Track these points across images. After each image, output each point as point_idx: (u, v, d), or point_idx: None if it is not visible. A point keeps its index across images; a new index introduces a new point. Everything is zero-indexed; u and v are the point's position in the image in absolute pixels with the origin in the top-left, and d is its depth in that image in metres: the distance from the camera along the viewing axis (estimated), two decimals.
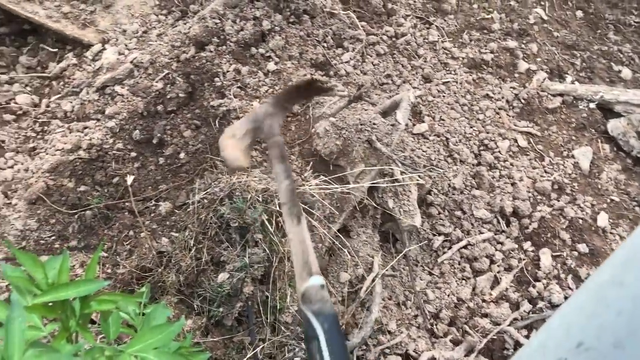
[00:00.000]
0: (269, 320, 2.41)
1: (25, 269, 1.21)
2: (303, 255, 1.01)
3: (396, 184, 2.71)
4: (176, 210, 2.71)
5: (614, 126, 3.66)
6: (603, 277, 0.64)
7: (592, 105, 3.78)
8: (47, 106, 3.14)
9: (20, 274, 1.18)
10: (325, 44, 3.40)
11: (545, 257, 3.10)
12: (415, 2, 4.01)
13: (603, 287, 0.64)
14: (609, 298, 0.62)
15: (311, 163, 2.64)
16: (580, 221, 3.24)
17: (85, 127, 2.96)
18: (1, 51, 3.31)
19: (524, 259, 3.09)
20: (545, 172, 3.43)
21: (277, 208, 2.37)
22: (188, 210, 2.61)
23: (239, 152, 1.07)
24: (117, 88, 3.06)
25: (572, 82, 3.92)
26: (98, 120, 3.00)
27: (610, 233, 3.23)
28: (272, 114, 1.10)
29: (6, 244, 2.51)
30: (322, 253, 2.57)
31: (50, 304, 1.16)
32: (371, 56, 3.53)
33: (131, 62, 3.12)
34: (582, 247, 3.12)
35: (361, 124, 2.66)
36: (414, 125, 3.35)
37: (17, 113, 3.13)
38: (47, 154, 2.89)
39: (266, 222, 2.38)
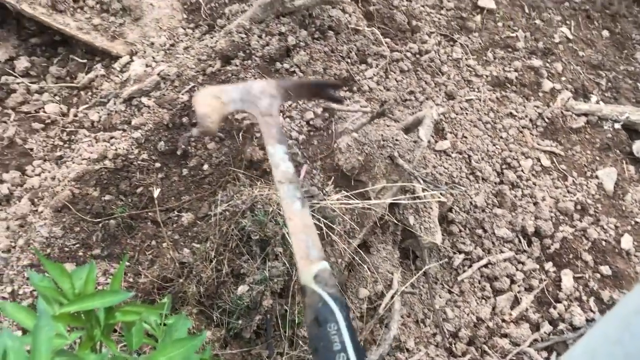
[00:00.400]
0: (287, 334, 2.42)
1: (52, 278, 1.23)
2: (310, 237, 0.95)
3: (417, 200, 2.71)
4: (198, 222, 2.74)
5: None
6: (629, 306, 0.64)
7: (617, 126, 3.74)
8: (75, 116, 3.21)
9: (48, 283, 1.20)
10: (349, 60, 3.42)
11: (567, 279, 3.07)
12: (439, 19, 4.03)
13: (629, 316, 0.64)
14: (634, 327, 0.62)
15: (333, 178, 2.66)
16: (604, 243, 3.20)
17: (112, 137, 3.01)
18: (32, 61, 3.39)
19: (545, 280, 3.06)
20: (569, 192, 3.40)
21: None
22: (210, 221, 2.64)
23: (216, 115, 1.01)
24: (144, 99, 3.11)
25: (597, 102, 3.89)
26: (124, 130, 3.05)
27: (635, 256, 3.19)
28: (273, 95, 1.05)
29: (34, 251, 2.56)
30: (342, 268, 2.58)
31: (75, 313, 1.18)
32: (395, 72, 3.55)
33: (158, 74, 3.17)
34: (605, 270, 3.08)
35: (383, 140, 2.67)
36: (436, 142, 3.34)
37: (46, 122, 3.19)
38: (73, 162, 2.94)
39: (287, 236, 2.39)
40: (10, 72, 3.34)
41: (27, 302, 2.47)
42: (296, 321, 2.44)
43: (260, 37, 3.19)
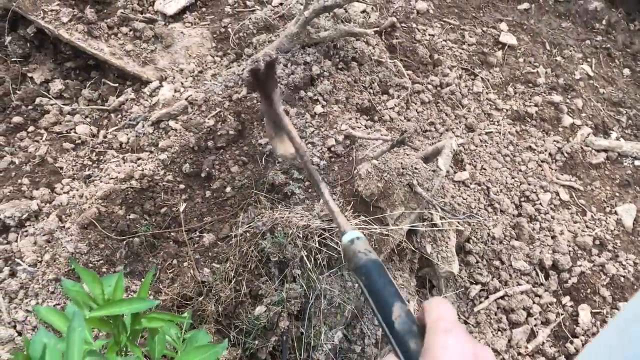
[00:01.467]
0: (302, 357, 2.44)
1: (83, 285, 1.30)
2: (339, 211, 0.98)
3: (435, 229, 2.74)
4: (219, 242, 2.80)
5: None
6: (627, 315, 0.68)
7: (637, 163, 3.75)
8: (105, 137, 3.32)
9: (79, 288, 1.27)
10: (371, 90, 3.50)
11: (585, 313, 3.06)
12: (461, 53, 4.11)
13: (628, 324, 0.68)
14: (632, 333, 0.66)
15: (352, 203, 2.71)
16: (622, 279, 3.19)
17: (139, 159, 3.11)
18: (66, 84, 3.53)
19: (562, 314, 3.05)
20: (587, 227, 3.40)
21: (316, 245, 2.43)
22: (230, 242, 2.70)
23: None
24: (171, 123, 3.21)
25: (617, 139, 3.91)
26: (151, 152, 3.15)
27: None
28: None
29: (70, 261, 2.65)
30: (359, 294, 2.61)
31: (104, 318, 1.24)
32: (416, 104, 3.62)
33: (186, 99, 3.28)
34: (622, 306, 3.06)
35: (403, 168, 2.72)
36: (455, 172, 3.39)
37: (76, 142, 3.31)
38: (101, 181, 3.04)
39: (305, 259, 2.44)
40: (45, 93, 3.48)
41: None
42: (312, 344, 2.47)
43: (285, 66, 3.29)
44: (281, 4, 3.93)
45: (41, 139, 3.31)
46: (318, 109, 3.19)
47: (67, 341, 1.05)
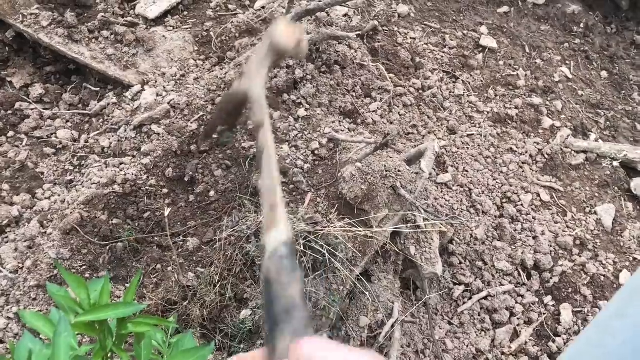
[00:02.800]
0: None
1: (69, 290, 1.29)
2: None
3: (419, 230, 2.76)
4: (203, 247, 2.79)
5: (638, 185, 3.69)
6: (609, 311, 0.70)
7: (615, 164, 3.81)
8: (86, 142, 3.29)
9: (65, 293, 1.26)
10: (354, 93, 3.52)
11: (566, 313, 3.09)
12: (442, 57, 4.15)
13: (609, 320, 0.69)
14: (614, 329, 0.67)
15: (336, 206, 2.72)
16: (602, 278, 3.23)
17: (121, 163, 3.09)
18: (47, 88, 3.50)
19: (544, 313, 3.09)
20: (568, 227, 3.45)
21: (301, 248, 2.44)
22: (215, 246, 2.69)
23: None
24: (154, 127, 3.20)
25: (596, 140, 3.97)
26: (134, 156, 3.13)
27: None
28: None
29: (56, 264, 2.62)
30: (344, 296, 2.62)
31: (90, 323, 1.23)
32: (398, 107, 3.64)
33: (168, 103, 3.27)
34: (604, 304, 3.11)
35: (386, 171, 2.74)
36: (437, 175, 3.42)
37: (57, 147, 3.28)
38: (83, 186, 3.01)
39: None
40: (25, 98, 3.45)
41: None
42: None
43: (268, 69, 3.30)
44: (263, 7, 3.94)
45: (21, 144, 3.28)
46: (301, 112, 3.20)
47: (53, 346, 1.04)
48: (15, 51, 3.59)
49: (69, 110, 3.46)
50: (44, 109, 3.44)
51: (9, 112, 3.39)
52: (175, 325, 1.44)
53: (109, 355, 1.27)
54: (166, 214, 2.48)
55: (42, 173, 3.16)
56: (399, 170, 2.79)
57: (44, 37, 3.42)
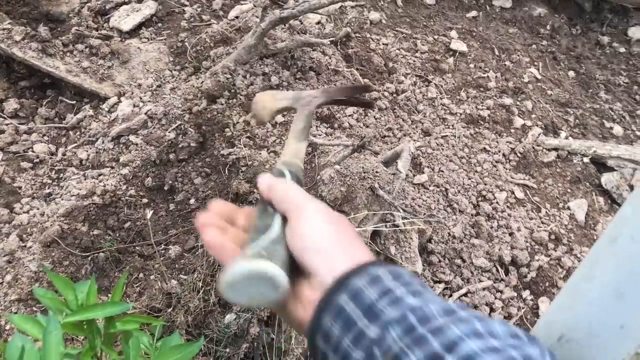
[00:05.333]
0: None
1: (57, 292, 1.30)
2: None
3: (398, 228, 2.81)
4: (185, 254, 2.80)
5: (608, 180, 3.79)
6: (577, 277, 0.75)
7: (585, 160, 3.92)
8: (64, 154, 3.28)
9: (52, 295, 1.28)
10: None
11: (544, 306, 3.16)
12: (414, 61, 4.23)
13: (577, 283, 0.74)
14: (581, 291, 0.72)
15: None
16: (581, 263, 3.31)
17: (100, 174, 3.09)
18: (22, 103, 3.48)
19: (523, 308, 3.15)
20: (542, 222, 3.53)
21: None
22: (197, 253, 2.71)
23: (269, 108, 1.12)
24: (132, 138, 3.21)
25: (567, 138, 4.07)
26: (112, 167, 3.13)
27: None
28: (316, 96, 1.15)
29: (44, 268, 2.60)
30: None
31: (78, 323, 1.25)
32: (373, 111, 3.71)
33: (145, 113, 3.28)
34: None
35: (364, 172, 2.79)
36: (414, 175, 3.48)
37: (34, 161, 3.26)
38: (62, 199, 3.01)
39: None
40: (0, 113, 3.43)
41: None
42: (282, 349, 2.49)
43: (244, 77, 3.34)
44: (237, 17, 3.98)
45: None
46: (279, 118, 3.24)
47: (44, 343, 1.06)
48: None
49: (45, 124, 3.45)
50: (19, 124, 3.42)
51: None
52: (163, 323, 1.46)
53: (98, 354, 1.29)
54: (148, 216, 2.49)
55: (20, 187, 3.14)
56: (376, 172, 2.84)
57: (17, 51, 3.41)
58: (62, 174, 3.19)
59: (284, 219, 0.82)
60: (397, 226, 2.81)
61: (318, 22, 4.06)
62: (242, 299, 0.73)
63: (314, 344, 0.71)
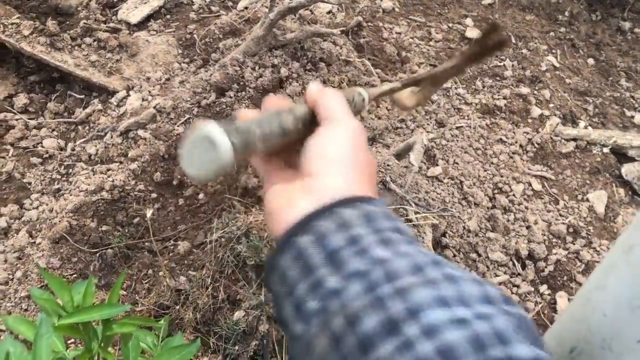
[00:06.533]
0: (284, 359, 2.42)
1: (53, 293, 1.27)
2: None
3: (410, 224, 2.74)
4: (194, 250, 2.77)
5: (628, 170, 3.68)
6: (590, 285, 0.68)
7: (605, 150, 3.81)
8: (73, 150, 3.26)
9: (48, 296, 1.24)
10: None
11: (562, 301, 3.08)
12: (428, 50, 4.14)
13: (590, 292, 0.68)
14: (594, 302, 0.66)
15: None
16: (597, 264, 3.22)
17: (109, 170, 3.06)
18: (31, 98, 3.47)
19: (540, 302, 3.07)
20: (560, 215, 3.44)
21: None
22: (206, 249, 2.67)
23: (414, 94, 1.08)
24: (140, 132, 3.17)
25: (586, 127, 3.96)
26: (121, 162, 3.10)
27: None
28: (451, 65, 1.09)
29: (39, 268, 2.59)
30: None
31: (74, 325, 1.21)
32: (385, 102, 3.63)
33: (154, 107, 3.24)
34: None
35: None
36: (428, 168, 3.40)
37: (44, 156, 3.25)
38: (71, 195, 2.99)
39: None
40: (9, 109, 3.41)
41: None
42: None
43: (253, 69, 3.28)
44: (246, 8, 3.92)
45: (7, 154, 3.24)
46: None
47: (34, 348, 1.02)
48: None
49: (54, 119, 3.43)
50: (29, 119, 3.40)
51: None
52: (164, 325, 1.41)
53: (96, 357, 1.25)
54: (148, 215, 2.45)
55: (30, 183, 3.13)
56: (388, 165, 2.78)
57: (26, 46, 3.39)
58: (71, 170, 3.16)
59: (305, 122, 0.82)
60: (410, 221, 2.74)
61: (329, 12, 3.99)
62: (193, 170, 0.72)
63: (269, 285, 0.68)
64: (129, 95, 3.42)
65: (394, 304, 0.55)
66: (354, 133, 0.76)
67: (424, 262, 0.60)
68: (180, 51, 3.69)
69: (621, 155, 3.83)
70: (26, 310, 2.64)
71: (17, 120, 3.38)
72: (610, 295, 0.63)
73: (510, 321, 0.54)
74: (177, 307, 2.48)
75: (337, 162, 0.72)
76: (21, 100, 3.42)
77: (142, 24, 3.84)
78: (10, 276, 2.73)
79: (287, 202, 0.70)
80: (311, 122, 0.81)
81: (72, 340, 2.28)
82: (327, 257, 0.62)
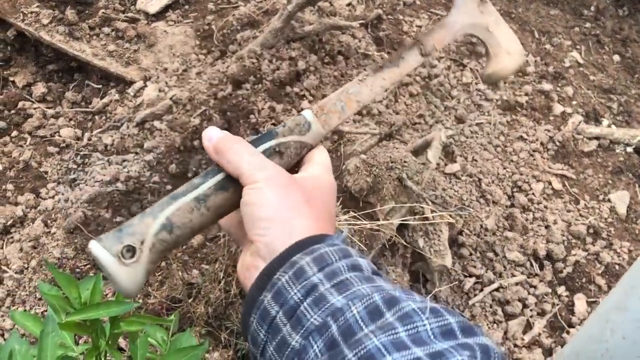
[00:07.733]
0: None
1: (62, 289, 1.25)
2: None
3: (427, 222, 2.70)
4: (207, 243, 2.75)
5: None
6: (609, 304, 0.65)
7: (629, 149, 3.73)
8: (89, 139, 3.26)
9: (57, 292, 1.22)
10: None
11: (580, 303, 3.03)
12: (449, 44, 4.07)
13: (609, 313, 0.64)
14: (614, 323, 0.62)
15: (341, 199, 2.67)
16: (617, 267, 3.16)
17: (124, 160, 3.06)
18: (49, 87, 3.47)
19: (557, 304, 3.02)
20: (581, 215, 3.38)
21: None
22: (219, 242, 2.66)
23: None
24: (156, 123, 3.16)
25: (609, 126, 3.88)
26: (137, 153, 3.10)
27: None
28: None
29: (46, 264, 2.60)
30: None
31: (82, 322, 1.20)
32: (404, 96, 3.58)
33: (170, 98, 3.23)
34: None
35: (392, 162, 2.68)
36: (446, 165, 3.35)
37: (61, 146, 3.25)
38: (86, 185, 2.99)
39: None
40: (28, 97, 3.42)
41: None
42: None
43: (270, 61, 3.25)
44: None
45: (25, 143, 3.26)
46: (304, 104, 3.15)
47: (40, 346, 1.01)
48: (17, 50, 3.56)
49: (71, 108, 3.43)
50: (46, 108, 3.41)
51: (12, 111, 3.37)
52: (174, 320, 1.40)
53: (103, 355, 1.23)
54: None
55: (46, 172, 3.14)
56: (404, 161, 2.73)
57: (45, 35, 3.39)
58: (87, 159, 3.16)
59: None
60: (426, 219, 2.70)
61: (348, 4, 3.94)
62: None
63: (247, 341, 0.70)
64: (146, 85, 3.40)
65: (354, 356, 0.56)
66: (267, 182, 0.77)
67: (380, 303, 0.60)
68: (197, 42, 3.67)
69: None
70: (40, 299, 2.65)
71: (35, 109, 3.39)
72: (630, 317, 0.60)
73: (467, 356, 0.54)
74: (189, 300, 2.47)
75: (270, 219, 0.74)
76: (39, 89, 3.43)
77: (161, 14, 3.82)
78: (26, 265, 2.74)
79: (247, 267, 0.76)
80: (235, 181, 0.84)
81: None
82: (286, 314, 0.64)
